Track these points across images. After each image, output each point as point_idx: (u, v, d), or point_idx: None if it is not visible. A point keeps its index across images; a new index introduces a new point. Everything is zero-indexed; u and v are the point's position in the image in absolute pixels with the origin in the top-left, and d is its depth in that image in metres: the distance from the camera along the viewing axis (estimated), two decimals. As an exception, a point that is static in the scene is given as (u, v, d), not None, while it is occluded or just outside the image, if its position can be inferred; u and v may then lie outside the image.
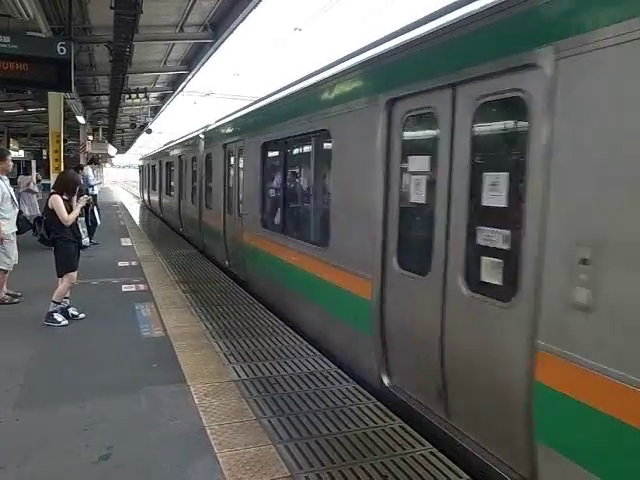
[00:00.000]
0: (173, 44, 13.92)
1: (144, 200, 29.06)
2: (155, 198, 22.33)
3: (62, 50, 9.10)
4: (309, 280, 5.88)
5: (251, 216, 8.21)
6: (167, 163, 18.47)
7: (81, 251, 6.62)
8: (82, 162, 20.21)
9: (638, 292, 2.35)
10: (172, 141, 19.55)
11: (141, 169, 31.75)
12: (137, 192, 57.70)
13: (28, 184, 14.08)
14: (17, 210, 7.18)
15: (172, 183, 17.47)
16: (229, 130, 10.14)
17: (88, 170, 13.49)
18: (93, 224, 12.35)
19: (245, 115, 9.30)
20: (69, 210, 6.22)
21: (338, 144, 5.31)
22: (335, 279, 5.10)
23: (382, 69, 4.52)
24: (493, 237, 3.25)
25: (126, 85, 16.55)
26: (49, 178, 13.85)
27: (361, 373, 4.68)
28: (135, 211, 24.84)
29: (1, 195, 6.79)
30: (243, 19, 10.93)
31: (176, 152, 16.47)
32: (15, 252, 7.16)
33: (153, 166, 22.99)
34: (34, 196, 13.35)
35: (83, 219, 9.61)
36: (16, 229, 7.09)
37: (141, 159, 33.88)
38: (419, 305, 3.89)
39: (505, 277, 3.19)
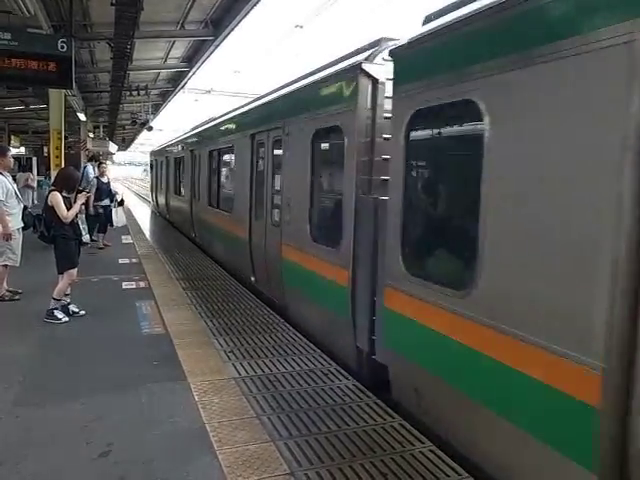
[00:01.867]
0: (174, 41, 13.89)
1: (157, 206, 22.26)
2: (181, 206, 15.06)
3: (63, 47, 9.08)
4: None
5: None
6: (214, 153, 11.18)
7: (81, 248, 6.62)
8: (83, 159, 20.19)
9: None
10: (227, 113, 11.44)
11: (154, 165, 23.64)
12: (138, 189, 57.20)
13: (26, 180, 14.14)
14: (22, 206, 7.19)
15: (226, 189, 10.46)
16: None
17: (88, 167, 13.49)
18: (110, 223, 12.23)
19: None
20: (68, 207, 6.22)
21: None
22: None
23: None
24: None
25: (127, 82, 16.52)
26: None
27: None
28: (138, 210, 24.62)
29: (5, 191, 6.81)
30: (244, 16, 10.89)
31: (245, 129, 8.56)
32: (20, 248, 7.18)
33: (178, 160, 16.12)
34: (31, 191, 13.41)
35: (83, 216, 9.57)
36: (22, 225, 7.11)
37: (154, 152, 25.17)
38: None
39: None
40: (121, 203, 12.22)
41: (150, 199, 26.45)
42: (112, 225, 11.98)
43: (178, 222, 16.42)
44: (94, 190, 11.41)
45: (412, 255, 4.13)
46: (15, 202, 7.03)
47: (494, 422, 3.17)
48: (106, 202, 11.75)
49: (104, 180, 12.04)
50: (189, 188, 13.66)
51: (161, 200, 20.57)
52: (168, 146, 19.38)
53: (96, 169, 12.55)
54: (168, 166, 18.20)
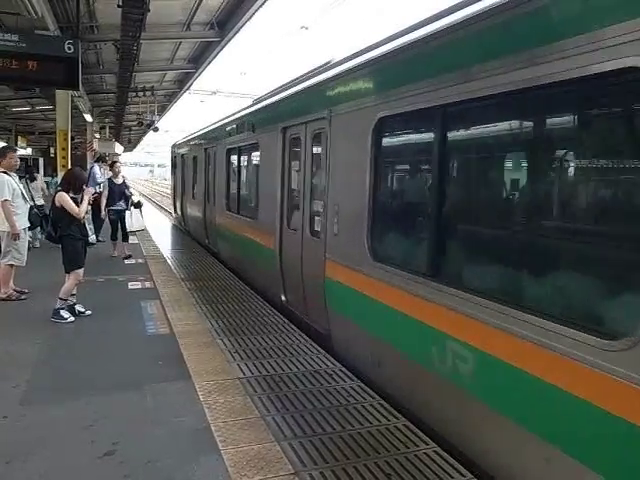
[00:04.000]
0: (180, 42, 13.95)
1: (184, 221, 16.12)
2: (249, 240, 8.56)
3: (70, 48, 9.15)
4: None
5: None
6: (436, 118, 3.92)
7: (88, 248, 6.66)
8: (90, 160, 20.25)
9: None
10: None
11: (178, 163, 17.43)
12: (143, 189, 56.67)
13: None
14: (29, 206, 7.23)
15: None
16: None
17: (95, 167, 13.55)
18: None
19: None
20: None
21: None
22: None
23: None
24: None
25: (133, 83, 16.60)
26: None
27: None
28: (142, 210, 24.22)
29: (12, 191, 6.85)
30: (249, 18, 10.94)
31: None
32: (26, 248, 7.23)
33: (236, 151, 9.76)
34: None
35: (89, 216, 9.57)
36: (28, 224, 7.15)
37: (178, 145, 17.95)
38: None
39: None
40: (137, 205, 10.89)
41: (173, 209, 19.40)
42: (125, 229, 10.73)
43: (242, 267, 9.38)
44: (106, 192, 10.58)
45: None
46: (21, 202, 7.06)
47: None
48: (120, 206, 10.68)
49: (117, 181, 10.86)
50: (277, 207, 7.12)
51: (192, 213, 14.31)
52: (209, 132, 12.65)
53: (104, 169, 12.34)
54: (209, 163, 12.15)
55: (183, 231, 16.15)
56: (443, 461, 3.32)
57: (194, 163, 14.16)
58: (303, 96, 6.73)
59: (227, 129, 10.58)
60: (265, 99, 8.85)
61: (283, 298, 7.08)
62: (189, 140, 15.72)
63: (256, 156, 8.67)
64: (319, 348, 5.42)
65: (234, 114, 10.72)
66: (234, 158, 10.10)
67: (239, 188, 9.85)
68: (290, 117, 6.86)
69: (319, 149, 6.11)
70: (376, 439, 3.58)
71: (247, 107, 10.01)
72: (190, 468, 3.19)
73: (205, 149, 12.64)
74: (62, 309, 6.19)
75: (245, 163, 9.77)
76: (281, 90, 8.08)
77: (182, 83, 20.04)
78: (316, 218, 6.00)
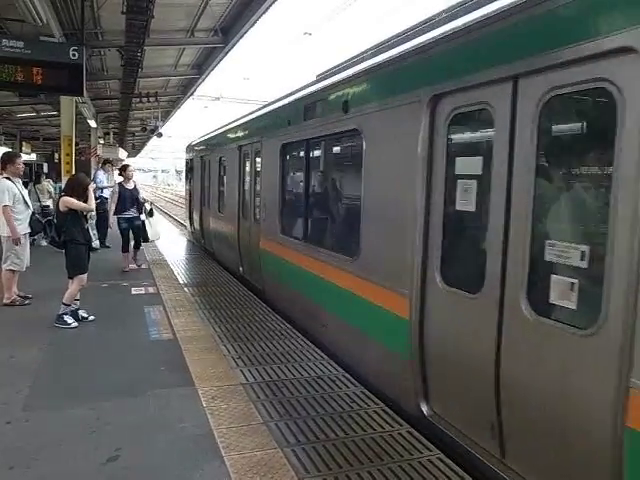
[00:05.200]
0: (184, 49, 14.02)
1: (203, 235, 13.26)
2: None
3: (74, 55, 9.22)
4: None
5: None
6: None
7: (91, 253, 6.67)
8: (94, 165, 20.31)
9: None
10: None
11: (197, 165, 14.31)
12: (147, 194, 56.42)
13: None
14: (30, 212, 7.25)
15: None
16: None
17: (99, 173, 13.59)
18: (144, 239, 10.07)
19: None
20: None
21: None
22: None
23: None
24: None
25: (137, 89, 16.68)
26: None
27: None
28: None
29: (12, 196, 6.88)
30: (253, 24, 10.98)
31: None
32: (27, 253, 7.23)
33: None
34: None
35: (93, 222, 9.55)
36: (29, 230, 7.17)
37: (194, 146, 15.12)
38: None
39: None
40: (150, 214, 10.22)
41: (188, 222, 16.40)
42: (147, 240, 10.02)
43: (319, 326, 5.95)
44: (115, 198, 9.78)
45: None
46: (23, 207, 7.08)
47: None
48: (132, 213, 9.83)
49: (129, 186, 9.92)
50: (415, 242, 3.98)
51: (218, 230, 11.39)
52: (246, 123, 9.59)
53: (110, 174, 12.24)
54: (244, 166, 9.36)
55: (202, 249, 13.20)
56: (447, 468, 3.30)
57: (220, 166, 11.17)
58: (512, 23, 3.13)
59: (282, 115, 7.31)
60: (366, 59, 5.16)
61: (424, 408, 4.00)
62: (212, 138, 12.55)
63: (350, 151, 5.81)
64: (322, 354, 5.41)
65: (292, 93, 7.29)
66: (298, 157, 7.14)
67: (307, 202, 6.61)
68: (458, 74, 3.60)
69: (571, 129, 3.28)
70: (379, 446, 3.56)
71: (320, 80, 6.44)
72: (193, 474, 3.18)
73: (240, 147, 9.40)
74: (65, 314, 6.20)
75: (321, 163, 6.78)
76: (417, 31, 4.46)
77: (186, 89, 20.11)
78: (554, 278, 2.85)
